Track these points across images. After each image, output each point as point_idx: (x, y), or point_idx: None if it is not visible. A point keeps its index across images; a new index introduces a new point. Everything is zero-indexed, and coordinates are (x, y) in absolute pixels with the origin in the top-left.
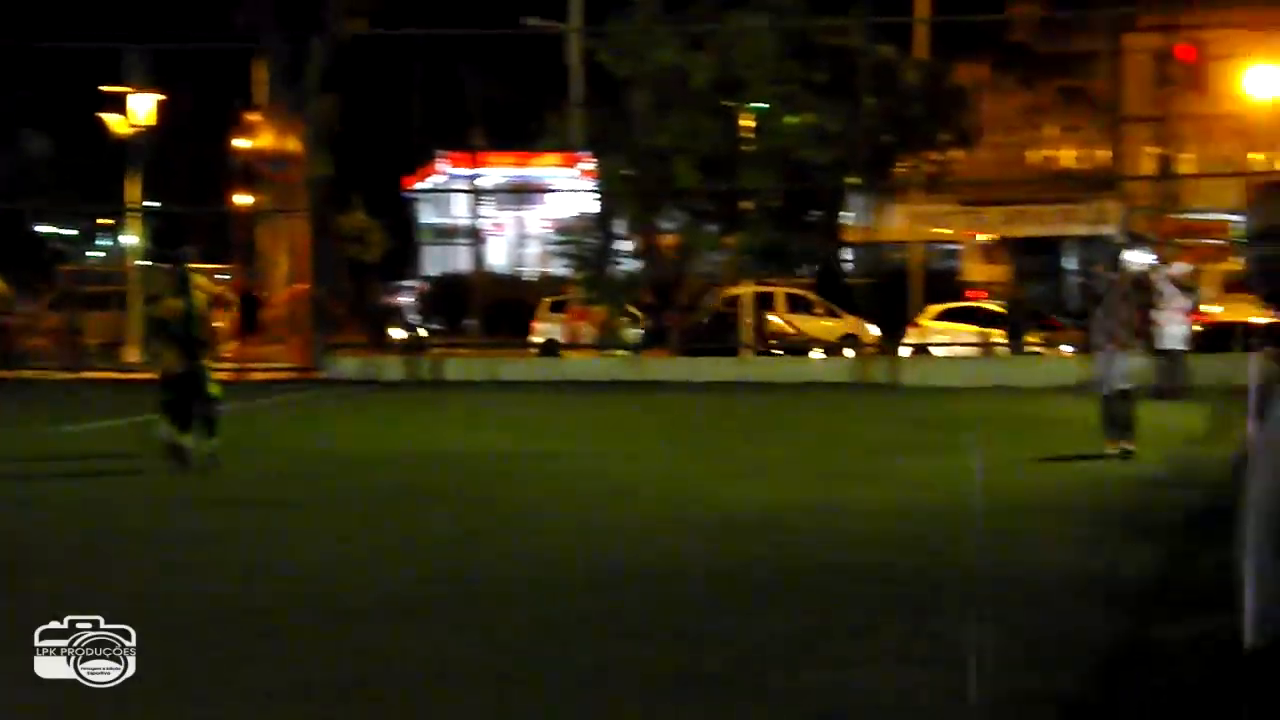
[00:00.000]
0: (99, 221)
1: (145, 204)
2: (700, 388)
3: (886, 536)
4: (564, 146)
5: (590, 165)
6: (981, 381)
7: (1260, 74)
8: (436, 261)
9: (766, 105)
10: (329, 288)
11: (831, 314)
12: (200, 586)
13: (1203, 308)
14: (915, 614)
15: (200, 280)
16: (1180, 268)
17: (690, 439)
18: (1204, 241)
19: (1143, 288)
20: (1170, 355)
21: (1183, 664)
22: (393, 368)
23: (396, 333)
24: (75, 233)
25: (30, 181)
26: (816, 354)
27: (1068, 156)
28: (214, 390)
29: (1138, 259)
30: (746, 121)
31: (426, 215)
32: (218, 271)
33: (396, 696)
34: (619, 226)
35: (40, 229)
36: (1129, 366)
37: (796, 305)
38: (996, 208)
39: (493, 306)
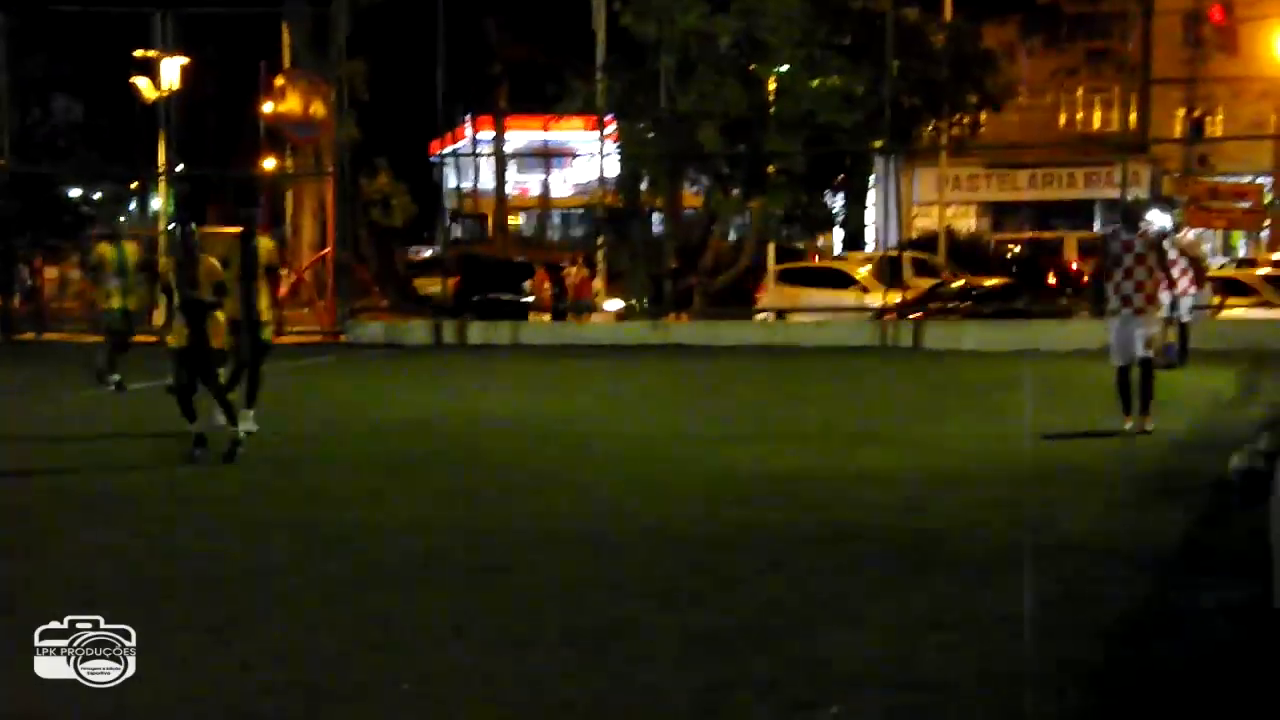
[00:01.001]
0: (129, 186)
1: (174, 168)
2: (724, 351)
3: (909, 500)
4: (589, 110)
5: (614, 129)
6: (1005, 346)
7: None
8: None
9: (790, 69)
10: (353, 252)
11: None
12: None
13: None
14: (941, 577)
15: (264, 241)
16: (1191, 234)
17: (711, 402)
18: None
19: (1160, 250)
20: (1175, 323)
21: (1214, 626)
22: (417, 331)
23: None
24: (101, 196)
25: (59, 145)
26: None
27: (1096, 119)
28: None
29: (1161, 221)
30: (771, 85)
31: (451, 179)
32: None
33: (411, 654)
34: (643, 190)
35: (70, 193)
36: (1148, 333)
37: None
38: (1024, 170)
39: (517, 271)
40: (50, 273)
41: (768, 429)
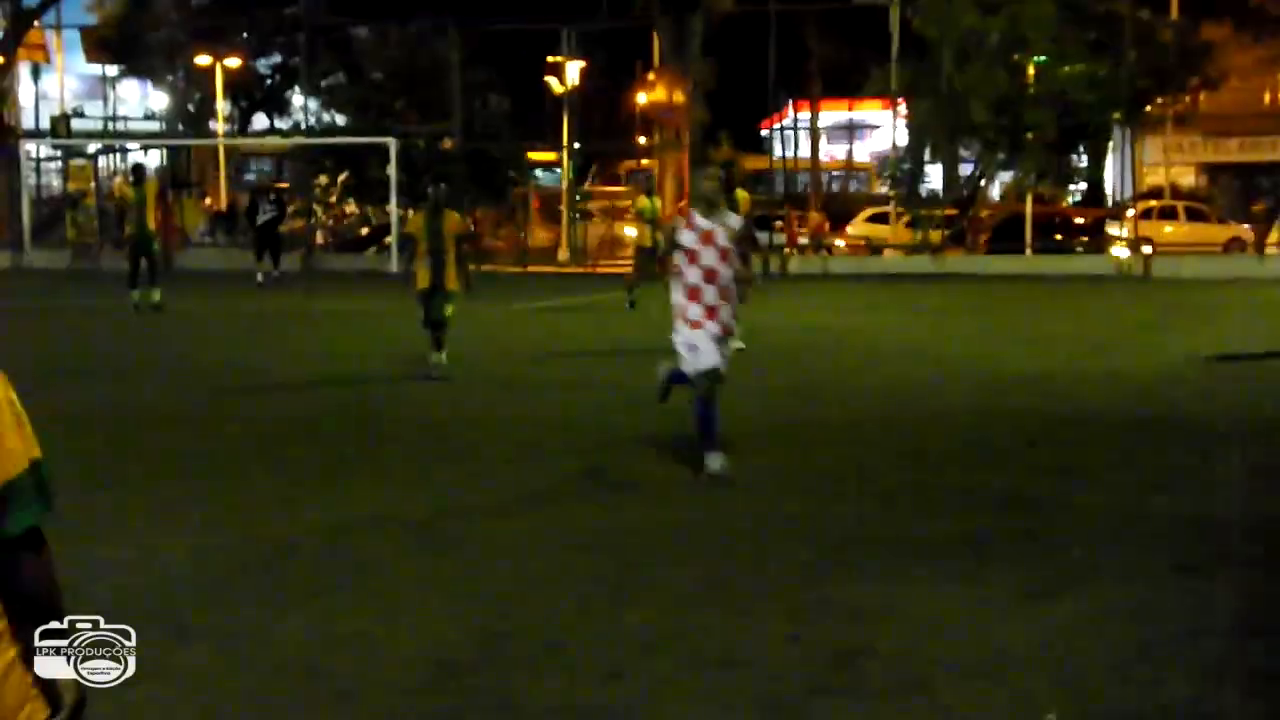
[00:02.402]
0: (543, 157)
1: (574, 144)
2: (992, 279)
3: (1140, 394)
4: (885, 93)
5: (905, 108)
6: (1224, 274)
7: None
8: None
9: (1046, 58)
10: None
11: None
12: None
13: None
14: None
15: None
16: None
17: (977, 318)
18: None
19: None
20: None
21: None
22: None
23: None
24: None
25: (494, 129)
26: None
27: None
28: (447, 311)
29: None
30: (1030, 70)
31: (778, 150)
32: (616, 195)
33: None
34: (927, 155)
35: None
36: None
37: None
38: (1235, 138)
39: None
40: (485, 221)
41: (1026, 337)
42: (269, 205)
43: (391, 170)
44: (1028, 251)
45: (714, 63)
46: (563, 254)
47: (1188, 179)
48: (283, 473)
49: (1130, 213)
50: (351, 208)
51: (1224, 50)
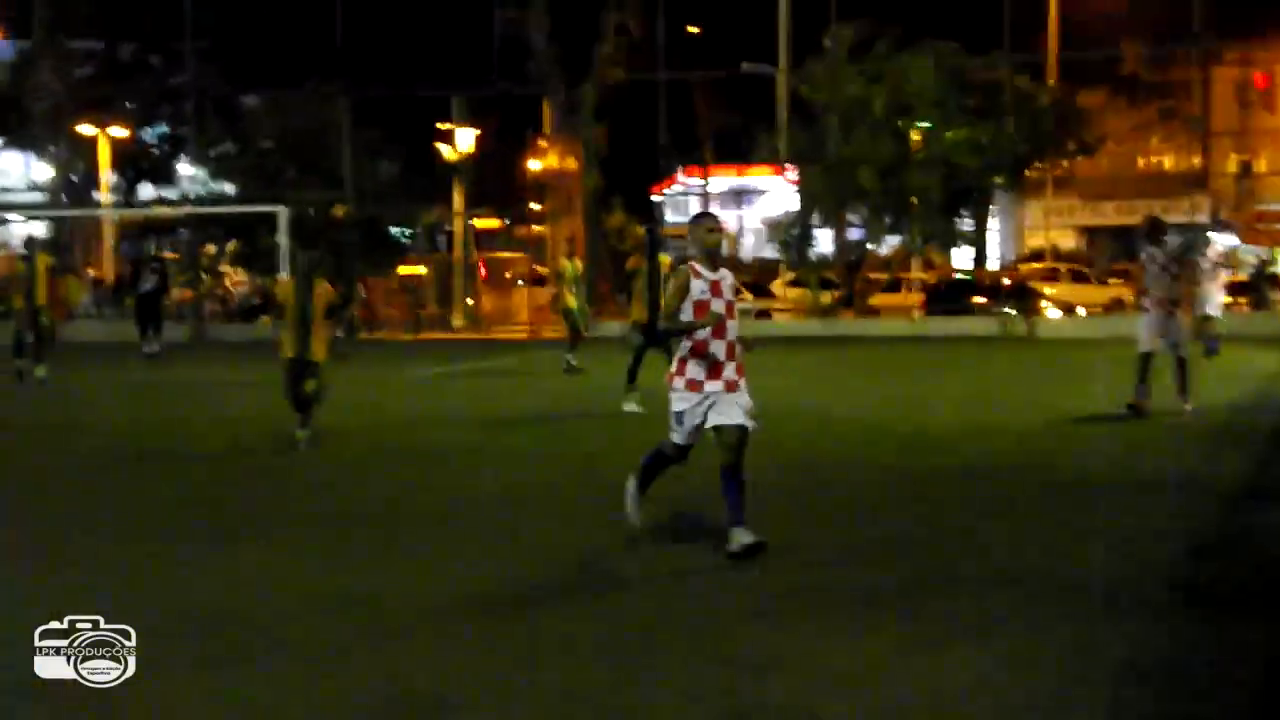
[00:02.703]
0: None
1: (467, 210)
2: (880, 340)
3: (1026, 450)
4: (773, 159)
5: (793, 174)
6: (1106, 334)
7: None
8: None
9: (930, 124)
10: (597, 270)
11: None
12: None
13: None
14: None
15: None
16: (1220, 246)
17: (865, 377)
18: (1277, 226)
19: (1182, 260)
20: (1208, 319)
21: (1270, 544)
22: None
23: None
24: (412, 232)
25: (384, 196)
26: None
27: (1168, 162)
28: (309, 387)
29: (1223, 240)
30: (915, 136)
31: (669, 215)
32: (514, 260)
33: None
34: (815, 220)
35: (392, 230)
36: (1181, 332)
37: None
38: (1111, 201)
39: None
40: (377, 288)
41: (912, 396)
42: (151, 275)
43: (282, 238)
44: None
45: (606, 128)
46: (458, 320)
47: (1067, 241)
48: (170, 539)
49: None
50: (241, 276)
51: (1100, 116)
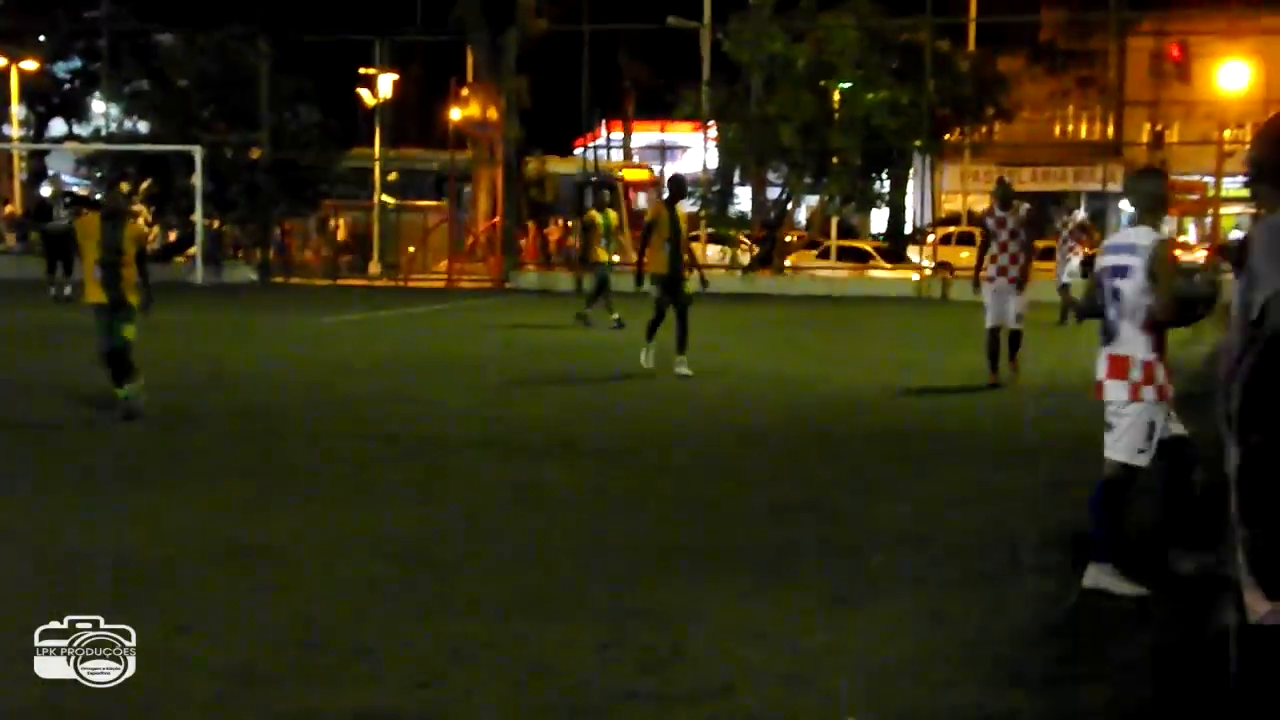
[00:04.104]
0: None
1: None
2: (799, 300)
3: (937, 411)
4: (695, 116)
5: (715, 131)
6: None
7: (1230, 69)
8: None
9: (851, 84)
10: (516, 221)
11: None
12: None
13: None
14: (960, 465)
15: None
16: (1079, 217)
17: (785, 336)
18: (1187, 198)
19: (1030, 226)
20: (1065, 287)
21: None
22: (562, 280)
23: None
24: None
25: (303, 140)
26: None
27: (1083, 130)
28: (127, 333)
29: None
30: (836, 96)
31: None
32: (434, 209)
33: (549, 511)
34: (737, 177)
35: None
36: (1021, 303)
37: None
38: (1027, 168)
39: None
40: (295, 233)
41: (829, 355)
42: (64, 212)
43: (197, 179)
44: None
45: (529, 80)
46: (374, 268)
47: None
48: (74, 481)
49: (930, 237)
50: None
51: (1018, 83)
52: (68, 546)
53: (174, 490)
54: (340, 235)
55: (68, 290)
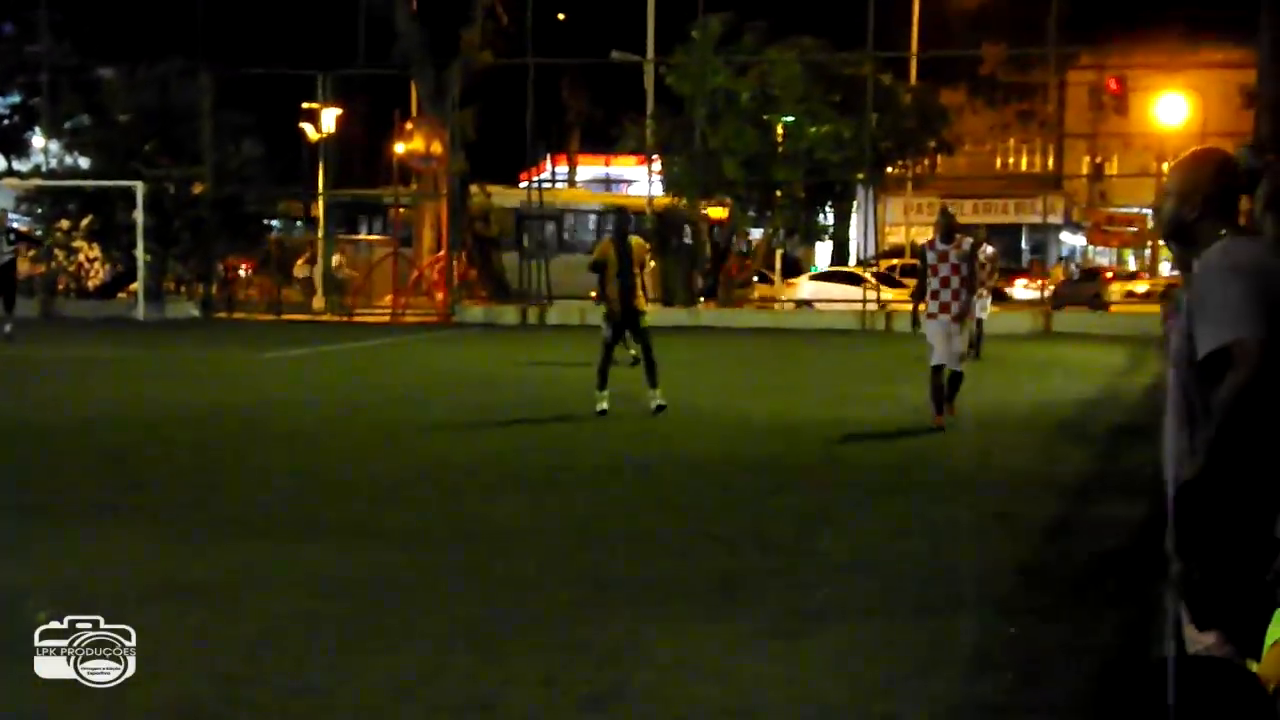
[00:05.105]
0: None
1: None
2: (744, 332)
3: (882, 443)
4: (640, 149)
5: (659, 164)
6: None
7: (1168, 102)
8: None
9: (794, 118)
10: (462, 255)
11: None
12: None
13: None
14: (904, 498)
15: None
16: (989, 249)
17: (728, 369)
18: (1126, 230)
19: (973, 262)
20: (979, 321)
21: (1108, 535)
22: (508, 314)
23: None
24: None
25: (246, 175)
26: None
27: (1024, 162)
28: None
29: (1072, 241)
30: (779, 130)
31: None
32: (380, 243)
33: (490, 545)
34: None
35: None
36: (961, 342)
37: None
38: (969, 200)
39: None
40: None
41: (773, 386)
42: (7, 246)
43: (139, 215)
44: (785, 306)
45: (474, 113)
46: (318, 303)
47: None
48: (11, 516)
49: (870, 271)
50: (95, 253)
51: (960, 115)
52: (2, 582)
53: (113, 527)
54: (300, 271)
55: (7, 328)
